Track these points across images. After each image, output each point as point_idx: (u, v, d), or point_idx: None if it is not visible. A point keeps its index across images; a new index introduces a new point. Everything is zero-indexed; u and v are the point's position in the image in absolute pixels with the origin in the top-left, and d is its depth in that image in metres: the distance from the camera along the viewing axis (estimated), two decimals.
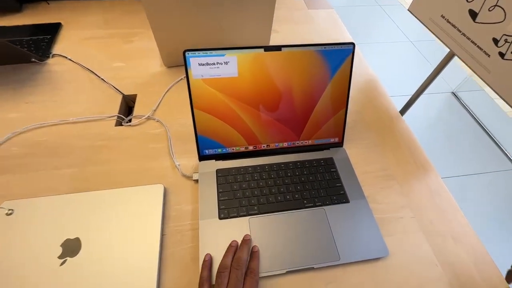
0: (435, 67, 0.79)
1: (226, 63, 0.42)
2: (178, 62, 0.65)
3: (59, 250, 0.38)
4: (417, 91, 0.85)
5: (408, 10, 0.69)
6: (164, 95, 0.60)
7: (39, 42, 0.68)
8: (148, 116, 0.56)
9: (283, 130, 0.49)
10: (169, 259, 0.39)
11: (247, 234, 0.41)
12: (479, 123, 1.62)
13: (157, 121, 0.55)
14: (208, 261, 0.38)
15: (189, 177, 0.48)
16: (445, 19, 0.59)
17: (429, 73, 0.82)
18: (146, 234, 0.40)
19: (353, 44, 0.45)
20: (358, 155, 0.53)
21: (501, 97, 0.49)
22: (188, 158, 0.50)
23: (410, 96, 0.92)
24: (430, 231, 0.45)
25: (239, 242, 0.40)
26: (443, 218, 0.46)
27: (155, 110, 0.57)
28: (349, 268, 0.40)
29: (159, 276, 0.37)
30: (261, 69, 0.44)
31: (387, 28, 2.28)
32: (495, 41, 0.46)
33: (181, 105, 0.58)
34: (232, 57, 0.42)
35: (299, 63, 0.44)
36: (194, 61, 0.42)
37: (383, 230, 0.44)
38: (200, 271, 0.37)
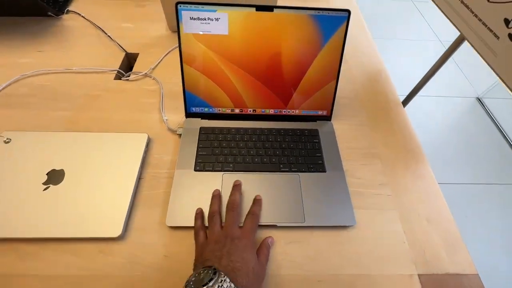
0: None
1: (217, 19, 0.43)
2: None
3: (45, 178, 0.41)
4: (422, 80, 0.81)
5: None
6: (164, 56, 0.62)
7: None
8: (146, 73, 0.58)
9: (271, 96, 0.50)
10: (142, 200, 0.42)
11: (237, 180, 0.43)
12: (502, 133, 1.52)
13: (153, 78, 0.58)
14: (199, 213, 0.39)
15: (174, 131, 0.49)
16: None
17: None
18: (125, 174, 0.42)
19: (348, 11, 0.43)
20: (345, 132, 0.53)
21: (504, 82, 0.46)
22: (176, 115, 0.52)
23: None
24: (405, 211, 0.44)
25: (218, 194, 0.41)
26: (422, 200, 0.45)
27: (153, 69, 0.59)
28: (314, 232, 0.40)
29: (129, 212, 0.40)
30: (252, 29, 0.44)
31: (417, 25, 2.17)
32: (507, 22, 0.43)
33: (178, 67, 0.60)
34: (223, 13, 0.43)
35: (290, 26, 0.44)
36: (185, 14, 0.43)
37: (356, 202, 0.43)
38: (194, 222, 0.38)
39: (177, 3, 0.42)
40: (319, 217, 0.41)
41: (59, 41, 0.63)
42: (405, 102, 0.93)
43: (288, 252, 0.38)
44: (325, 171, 0.45)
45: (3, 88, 0.53)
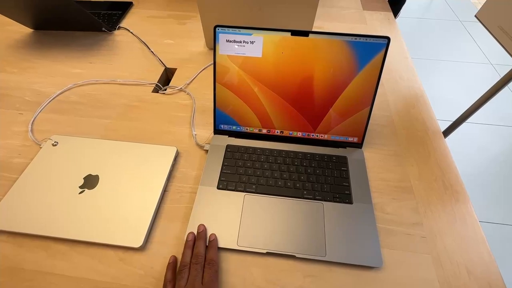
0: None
1: (252, 42, 0.44)
2: None
3: (81, 182, 0.44)
4: (465, 112, 0.74)
5: (475, 16, 0.61)
6: (200, 72, 0.65)
7: (112, 16, 0.80)
8: (181, 88, 0.61)
9: (300, 119, 0.49)
10: (165, 212, 0.43)
11: (200, 225, 0.40)
12: None
13: (187, 93, 0.60)
14: (171, 263, 0.37)
15: (201, 146, 0.51)
16: None
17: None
18: (152, 186, 0.44)
19: (387, 38, 0.42)
20: (376, 161, 0.50)
21: None
22: (205, 130, 0.53)
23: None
24: (441, 257, 0.39)
25: (198, 232, 0.40)
26: (462, 247, 0.40)
27: (188, 84, 0.62)
28: (334, 268, 0.38)
29: (152, 222, 0.41)
30: (286, 53, 0.44)
31: (466, 46, 2.02)
32: None
33: (211, 84, 0.62)
34: (258, 37, 0.44)
35: (325, 52, 0.43)
36: (222, 37, 0.44)
37: (384, 241, 0.40)
38: (165, 272, 0.37)
39: (215, 26, 0.44)
40: (341, 253, 0.38)
41: (108, 54, 0.69)
42: (450, 130, 0.86)
43: (305, 287, 0.36)
44: (351, 203, 0.43)
45: (57, 95, 0.59)
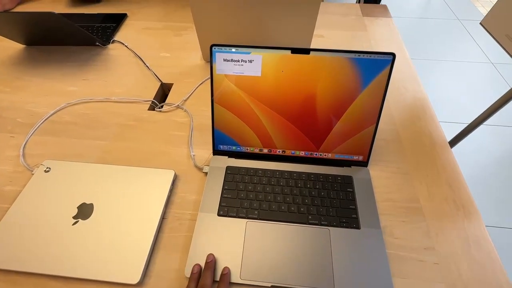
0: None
1: (250, 61, 0.42)
2: None
3: (75, 211, 0.42)
4: (470, 124, 0.72)
5: (480, 24, 0.59)
6: (197, 87, 0.63)
7: (106, 29, 0.78)
8: (178, 105, 0.59)
9: (302, 139, 0.47)
10: (163, 243, 0.41)
11: (210, 254, 0.38)
12: None
13: (185, 110, 0.58)
14: (195, 274, 0.36)
15: (200, 169, 0.49)
16: None
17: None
18: (149, 214, 0.42)
19: (392, 54, 0.40)
20: (383, 180, 0.48)
21: None
22: (204, 150, 0.51)
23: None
24: (455, 285, 0.37)
25: (208, 260, 0.37)
26: (477, 272, 0.38)
27: (185, 100, 0.60)
28: None
29: (150, 255, 0.39)
30: (286, 71, 0.42)
31: (466, 46, 2.00)
32: None
33: (210, 99, 0.60)
34: (257, 55, 0.42)
35: (327, 70, 0.41)
36: (219, 56, 0.42)
37: (394, 269, 0.38)
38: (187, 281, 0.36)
39: (212, 46, 0.42)
40: (351, 285, 0.36)
41: (103, 70, 0.67)
42: (459, 138, 0.83)
43: None
44: (359, 228, 0.41)
45: (49, 116, 0.57)
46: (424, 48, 1.98)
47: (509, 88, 0.63)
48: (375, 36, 0.77)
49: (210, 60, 0.42)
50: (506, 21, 0.53)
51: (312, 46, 0.67)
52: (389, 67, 0.40)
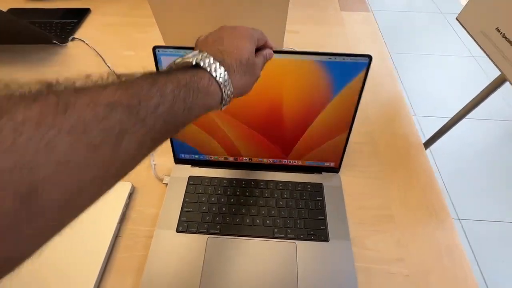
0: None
1: None
2: None
3: None
4: (452, 118, 0.71)
5: (456, 19, 0.57)
6: None
7: (66, 26, 0.72)
8: None
9: (269, 147, 0.44)
10: (116, 264, 0.37)
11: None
12: None
13: None
14: None
15: (161, 179, 0.45)
16: (501, 34, 0.47)
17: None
18: (100, 232, 0.38)
19: (369, 57, 0.36)
20: (355, 186, 0.45)
21: None
22: (167, 158, 0.47)
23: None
24: None
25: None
26: (449, 284, 0.37)
27: None
28: None
29: (100, 279, 0.35)
30: None
31: (448, 40, 2.01)
32: None
33: None
34: None
35: (295, 74, 0.38)
36: (165, 60, 0.38)
37: (364, 284, 0.36)
38: None
39: (154, 48, 0.37)
40: None
41: (60, 70, 0.62)
42: (438, 135, 0.82)
43: None
44: (327, 240, 0.39)
45: None
46: (407, 42, 1.97)
47: (489, 82, 0.63)
48: (353, 32, 0.74)
49: (155, 65, 0.38)
50: (481, 17, 0.51)
51: (285, 43, 0.63)
52: (364, 71, 0.37)
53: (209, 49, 0.25)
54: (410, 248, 0.40)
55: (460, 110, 0.69)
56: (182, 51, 0.36)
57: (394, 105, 0.58)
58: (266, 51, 0.31)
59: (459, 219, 1.20)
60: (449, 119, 0.80)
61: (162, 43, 0.66)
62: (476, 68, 1.81)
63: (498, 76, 0.60)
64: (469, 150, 1.39)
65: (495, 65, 0.50)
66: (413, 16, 2.21)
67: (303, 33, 0.72)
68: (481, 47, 0.52)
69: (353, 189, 0.45)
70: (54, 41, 0.66)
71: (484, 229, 1.13)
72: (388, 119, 0.55)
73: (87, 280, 0.35)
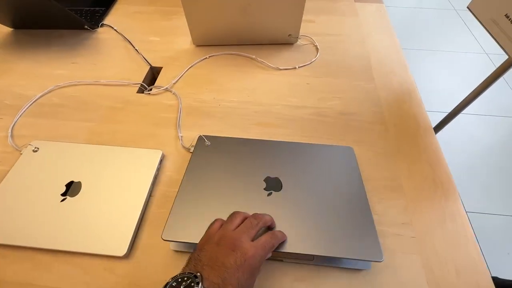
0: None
1: None
2: (206, 42, 0.68)
3: (63, 189, 0.43)
4: (459, 105, 0.73)
5: (467, 7, 0.59)
6: (186, 71, 0.63)
7: (95, 13, 0.77)
8: (166, 88, 0.59)
9: None
10: (150, 218, 0.42)
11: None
12: None
13: (173, 93, 0.58)
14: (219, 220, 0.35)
15: (187, 149, 0.49)
16: (510, 20, 0.49)
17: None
18: (136, 191, 0.43)
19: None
20: (365, 159, 0.49)
21: None
22: (192, 132, 0.52)
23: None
24: (429, 257, 0.39)
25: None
26: (451, 246, 0.40)
27: (174, 83, 0.61)
28: (323, 269, 0.38)
29: (136, 231, 0.40)
30: None
31: (461, 36, 2.00)
32: None
33: (198, 82, 0.61)
34: None
35: None
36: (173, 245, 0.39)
37: None
38: None
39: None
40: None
41: (91, 54, 0.67)
42: (444, 123, 0.85)
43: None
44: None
45: (38, 98, 0.57)
46: (419, 38, 1.97)
47: (501, 80, 0.64)
48: (366, 21, 0.77)
49: None
50: (490, 4, 0.53)
51: (302, 31, 0.67)
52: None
53: (208, 280, 0.27)
54: (416, 215, 0.43)
55: (469, 95, 0.71)
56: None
57: (404, 90, 0.61)
58: (274, 235, 0.33)
59: (466, 211, 1.22)
60: (460, 114, 0.81)
61: (185, 30, 0.71)
62: (489, 66, 1.80)
63: (505, 61, 0.62)
64: (478, 145, 1.40)
65: (504, 50, 0.52)
66: (426, 12, 2.20)
67: (318, 22, 0.76)
68: (490, 34, 0.55)
69: (363, 162, 0.48)
70: (86, 26, 0.71)
71: (491, 223, 1.15)
72: (398, 101, 0.58)
73: (128, 229, 0.39)
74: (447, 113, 0.85)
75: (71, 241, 0.38)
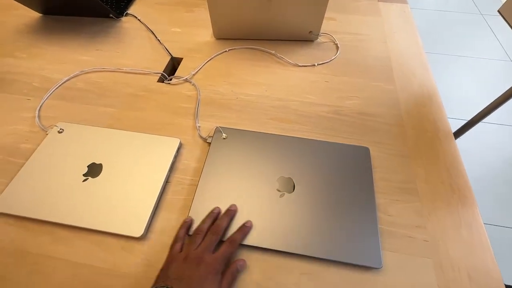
0: None
1: None
2: (226, 35, 0.68)
3: (85, 170, 0.45)
4: (480, 113, 0.71)
5: (498, 11, 0.57)
6: (206, 63, 0.64)
7: (120, 2, 0.79)
8: (186, 78, 0.60)
9: None
10: (166, 203, 0.43)
11: (233, 204, 0.41)
12: None
13: (193, 84, 0.59)
14: (187, 222, 0.39)
15: (204, 139, 0.50)
16: None
17: None
18: (154, 176, 0.44)
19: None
20: (381, 160, 0.48)
21: None
22: (209, 123, 0.53)
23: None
24: (442, 261, 0.39)
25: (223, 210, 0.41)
26: (465, 252, 0.39)
27: (194, 74, 0.62)
28: (332, 266, 0.38)
29: (153, 213, 0.41)
30: None
31: (486, 42, 1.93)
32: None
33: (217, 75, 0.61)
34: None
35: None
36: None
37: (385, 243, 0.40)
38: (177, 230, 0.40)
39: None
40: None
41: (115, 42, 0.69)
42: (464, 129, 0.82)
43: (301, 284, 0.36)
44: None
45: (64, 82, 0.59)
46: (442, 42, 1.92)
47: None
48: (389, 21, 0.76)
49: None
50: None
51: (322, 29, 0.66)
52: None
53: (176, 286, 0.31)
54: (431, 220, 0.42)
55: (491, 103, 0.69)
56: None
57: (425, 93, 0.60)
58: (232, 271, 0.35)
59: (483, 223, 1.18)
60: (480, 123, 0.79)
61: (206, 23, 0.72)
62: None
63: None
64: (497, 155, 1.35)
65: None
66: (451, 16, 2.13)
67: (339, 20, 0.75)
68: None
69: (379, 163, 0.48)
70: (111, 15, 0.73)
71: (505, 236, 1.11)
72: (418, 104, 0.57)
73: (145, 212, 0.41)
74: (467, 121, 0.83)
75: (90, 219, 0.40)
